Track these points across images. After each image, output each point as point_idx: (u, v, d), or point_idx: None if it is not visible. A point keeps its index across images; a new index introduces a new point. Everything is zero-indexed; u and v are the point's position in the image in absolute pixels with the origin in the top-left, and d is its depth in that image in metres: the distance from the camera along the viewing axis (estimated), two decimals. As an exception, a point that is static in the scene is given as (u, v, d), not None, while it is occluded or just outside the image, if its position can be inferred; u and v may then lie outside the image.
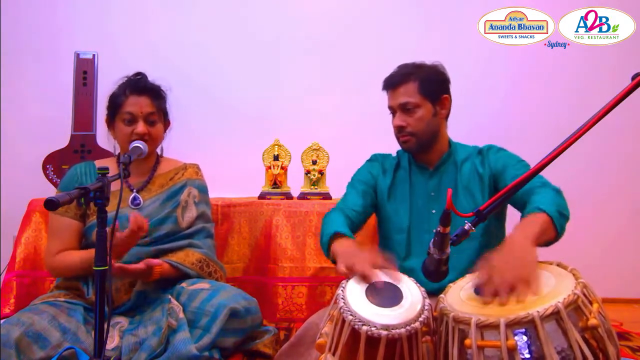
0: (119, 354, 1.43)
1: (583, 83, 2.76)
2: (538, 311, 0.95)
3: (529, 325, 0.96)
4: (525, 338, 0.96)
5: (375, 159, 1.74)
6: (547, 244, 1.25)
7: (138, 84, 1.70)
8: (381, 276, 1.16)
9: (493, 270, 1.08)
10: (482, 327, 0.99)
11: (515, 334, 0.96)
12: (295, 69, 2.82)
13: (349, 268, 1.18)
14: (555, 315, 0.96)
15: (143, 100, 1.67)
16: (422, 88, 1.55)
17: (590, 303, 1.01)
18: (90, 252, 1.42)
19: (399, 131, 1.59)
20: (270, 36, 2.83)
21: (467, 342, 0.99)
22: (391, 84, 1.60)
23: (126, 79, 1.73)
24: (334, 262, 1.35)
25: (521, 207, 1.42)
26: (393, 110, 1.60)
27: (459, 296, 1.15)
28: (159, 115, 1.72)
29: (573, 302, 0.98)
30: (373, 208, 1.67)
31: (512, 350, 0.94)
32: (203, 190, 1.84)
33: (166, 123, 1.78)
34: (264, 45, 2.83)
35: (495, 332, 0.97)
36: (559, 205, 1.28)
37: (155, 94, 1.72)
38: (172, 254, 1.66)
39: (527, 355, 0.95)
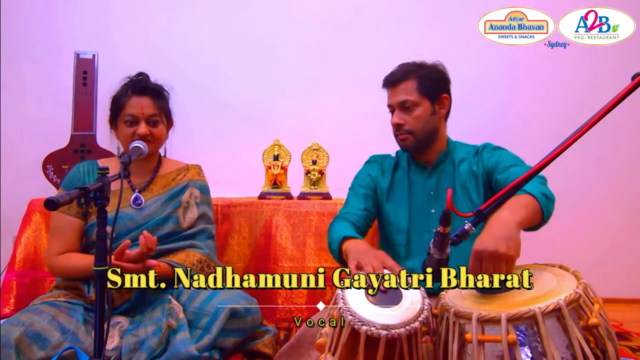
0: (119, 354, 1.42)
1: (583, 83, 2.76)
2: (540, 307, 0.96)
3: (530, 321, 0.96)
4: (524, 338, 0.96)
5: (374, 160, 1.74)
6: (535, 227, 1.26)
7: (139, 85, 1.69)
8: None
9: (478, 257, 1.10)
10: (484, 322, 0.99)
11: (516, 329, 0.96)
12: (296, 69, 2.82)
13: (358, 267, 1.17)
14: (556, 312, 0.96)
15: (145, 101, 1.67)
16: (421, 86, 1.55)
17: (592, 303, 1.01)
18: (91, 260, 1.42)
19: (397, 129, 1.59)
20: (270, 36, 2.83)
21: (468, 336, 0.99)
22: (391, 81, 1.60)
23: (128, 79, 1.72)
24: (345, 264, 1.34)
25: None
26: (392, 108, 1.60)
27: (460, 292, 1.15)
28: (161, 116, 1.71)
29: (575, 300, 0.98)
30: (376, 210, 1.66)
31: (513, 345, 0.95)
32: (205, 191, 1.83)
33: (169, 123, 1.77)
34: (264, 45, 2.83)
35: (496, 327, 0.97)
36: (542, 189, 1.28)
37: (157, 95, 1.71)
38: (173, 254, 1.66)
39: (528, 352, 0.95)
